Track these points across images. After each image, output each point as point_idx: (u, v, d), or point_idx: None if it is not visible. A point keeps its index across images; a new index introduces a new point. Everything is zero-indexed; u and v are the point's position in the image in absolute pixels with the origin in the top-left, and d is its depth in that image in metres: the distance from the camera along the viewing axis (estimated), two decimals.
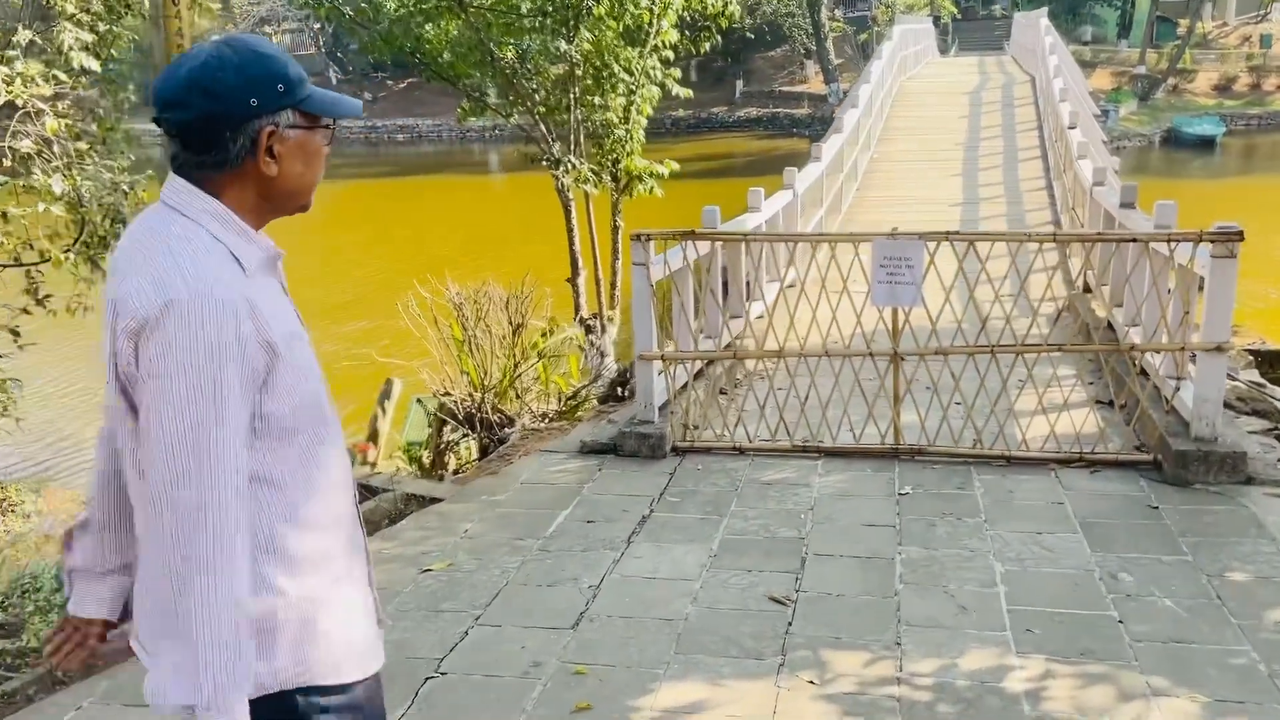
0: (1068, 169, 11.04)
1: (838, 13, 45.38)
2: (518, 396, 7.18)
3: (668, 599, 3.83)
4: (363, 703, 1.66)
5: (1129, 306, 6.42)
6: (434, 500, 5.21)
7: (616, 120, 9.71)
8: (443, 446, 7.32)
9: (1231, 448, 4.67)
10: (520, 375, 6.74)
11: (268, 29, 42.32)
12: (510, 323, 6.65)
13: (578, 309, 10.48)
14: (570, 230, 10.38)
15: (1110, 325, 7.40)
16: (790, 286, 5.30)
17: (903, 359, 5.26)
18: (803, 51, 43.78)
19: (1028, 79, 21.24)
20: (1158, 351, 5.05)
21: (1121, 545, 4.11)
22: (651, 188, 10.31)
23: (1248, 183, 27.61)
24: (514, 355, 6.70)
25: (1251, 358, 8.26)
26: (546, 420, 6.93)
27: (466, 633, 3.61)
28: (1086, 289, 8.70)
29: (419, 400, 7.80)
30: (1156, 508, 4.47)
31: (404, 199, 29.51)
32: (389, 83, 47.09)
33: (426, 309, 6.96)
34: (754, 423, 5.49)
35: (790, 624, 3.61)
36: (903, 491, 4.78)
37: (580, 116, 9.71)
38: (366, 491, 5.52)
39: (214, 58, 1.50)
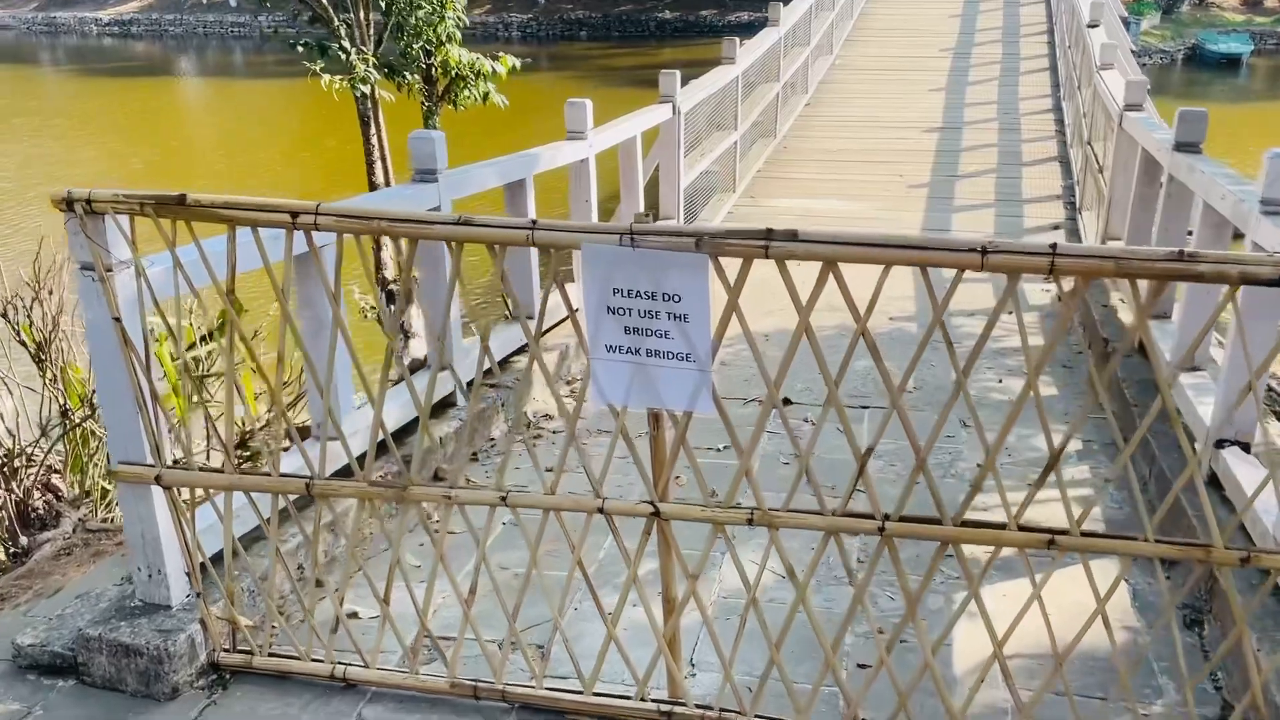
0: (1086, 84, 7.88)
1: None
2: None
3: None
4: None
5: (1184, 337, 3.39)
6: None
7: None
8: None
9: None
10: (77, 427, 3.72)
11: None
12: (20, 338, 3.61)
13: (379, 267, 7.41)
14: (369, 154, 7.24)
15: (1142, 348, 4.44)
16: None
17: (668, 521, 2.24)
18: None
19: None
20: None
21: None
22: (487, 94, 7.13)
23: (1275, 108, 24.24)
24: (45, 391, 3.69)
25: None
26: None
27: None
28: None
29: None
30: None
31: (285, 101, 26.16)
32: None
33: None
34: (412, 620, 2.53)
35: None
36: None
37: None
38: None
39: None
